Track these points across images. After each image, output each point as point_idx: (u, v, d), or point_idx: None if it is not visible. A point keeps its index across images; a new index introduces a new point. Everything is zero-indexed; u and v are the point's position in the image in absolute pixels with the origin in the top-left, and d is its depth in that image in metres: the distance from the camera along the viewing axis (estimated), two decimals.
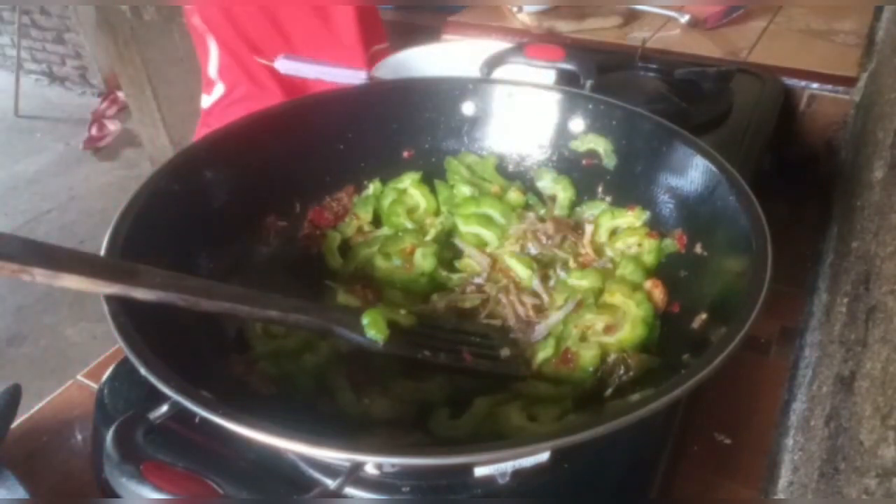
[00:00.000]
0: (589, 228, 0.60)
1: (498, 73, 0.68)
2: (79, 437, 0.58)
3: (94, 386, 0.65)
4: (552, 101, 0.64)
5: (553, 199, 0.64)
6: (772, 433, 0.58)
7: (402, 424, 0.46)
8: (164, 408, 0.37)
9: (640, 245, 0.58)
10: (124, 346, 0.37)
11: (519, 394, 0.48)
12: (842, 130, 0.87)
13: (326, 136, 0.63)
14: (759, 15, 1.06)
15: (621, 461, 0.47)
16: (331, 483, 0.35)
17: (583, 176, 0.64)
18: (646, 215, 0.59)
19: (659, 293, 0.54)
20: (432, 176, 0.66)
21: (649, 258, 0.56)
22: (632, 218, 0.59)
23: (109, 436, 0.35)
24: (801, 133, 0.90)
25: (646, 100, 0.77)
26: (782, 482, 0.52)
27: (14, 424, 0.56)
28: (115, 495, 0.35)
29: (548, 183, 0.65)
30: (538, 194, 0.65)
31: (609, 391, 0.48)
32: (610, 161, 0.62)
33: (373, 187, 0.65)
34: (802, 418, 0.54)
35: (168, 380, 0.35)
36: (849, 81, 0.86)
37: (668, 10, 1.07)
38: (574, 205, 0.63)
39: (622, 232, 0.59)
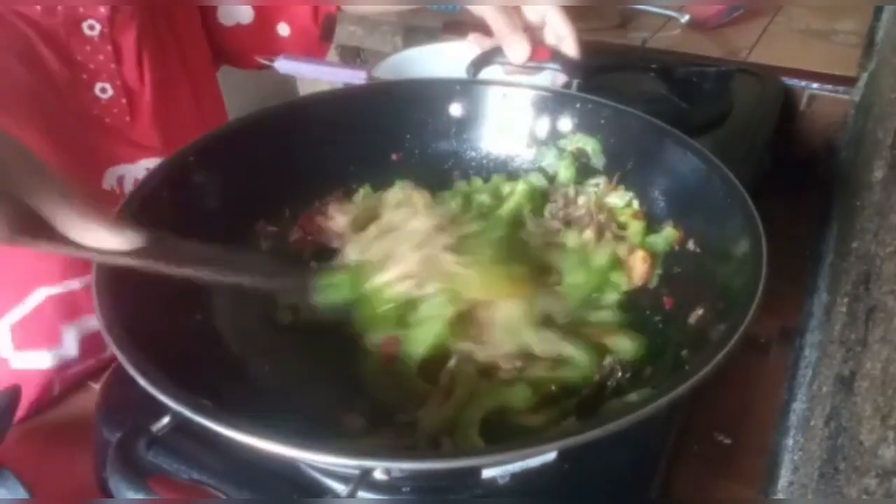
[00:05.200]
0: (582, 199, 0.62)
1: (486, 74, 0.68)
2: (79, 437, 0.58)
3: (95, 386, 0.65)
4: (540, 101, 0.64)
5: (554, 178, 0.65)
6: (772, 433, 0.58)
7: (405, 424, 0.46)
8: (166, 419, 0.37)
9: (625, 227, 0.59)
10: (121, 358, 0.37)
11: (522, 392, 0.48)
12: (842, 130, 0.87)
13: (314, 140, 0.63)
14: (759, 15, 1.06)
15: (621, 461, 0.47)
16: (341, 489, 0.35)
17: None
18: (629, 196, 0.60)
19: (642, 266, 0.55)
20: (422, 179, 0.65)
21: (634, 240, 0.58)
22: (616, 198, 0.60)
23: (111, 452, 0.35)
24: (801, 133, 0.90)
25: (645, 100, 0.77)
26: (782, 482, 0.52)
27: (14, 424, 0.55)
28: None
29: (551, 161, 0.65)
30: (543, 171, 0.65)
31: (609, 392, 0.48)
32: (598, 161, 0.62)
33: (363, 192, 0.65)
34: (802, 418, 0.54)
35: (168, 390, 0.35)
36: (849, 81, 0.86)
37: (668, 10, 1.07)
38: (576, 183, 0.64)
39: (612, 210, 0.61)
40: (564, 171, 0.64)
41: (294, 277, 0.51)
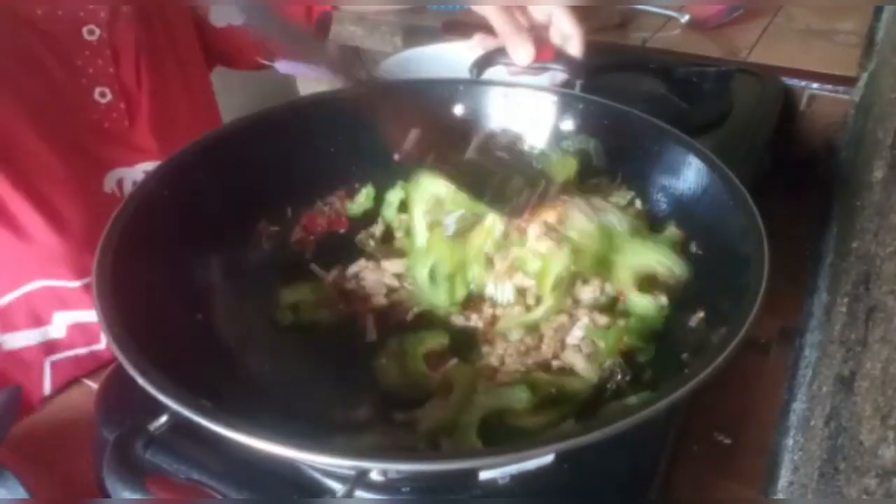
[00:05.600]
0: None
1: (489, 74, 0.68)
2: (79, 437, 0.58)
3: (95, 385, 0.65)
4: (542, 102, 0.64)
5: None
6: (772, 433, 0.58)
7: (404, 424, 0.46)
8: (164, 418, 0.37)
9: None
10: (121, 358, 0.37)
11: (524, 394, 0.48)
12: (842, 130, 0.87)
13: (315, 140, 0.63)
14: (759, 15, 1.06)
15: (621, 462, 0.47)
16: (339, 488, 0.35)
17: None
18: (630, 195, 0.60)
19: None
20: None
21: None
22: (618, 198, 0.60)
23: (108, 452, 0.35)
24: (801, 133, 0.90)
25: (645, 100, 0.77)
26: (782, 482, 0.52)
27: (14, 424, 0.56)
28: None
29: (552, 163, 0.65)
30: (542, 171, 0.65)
31: (608, 394, 0.48)
32: (600, 162, 0.62)
33: (365, 192, 0.65)
34: (802, 418, 0.54)
35: (167, 390, 0.35)
36: (849, 81, 0.86)
37: (668, 10, 1.07)
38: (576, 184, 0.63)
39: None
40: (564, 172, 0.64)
41: None
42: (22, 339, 0.64)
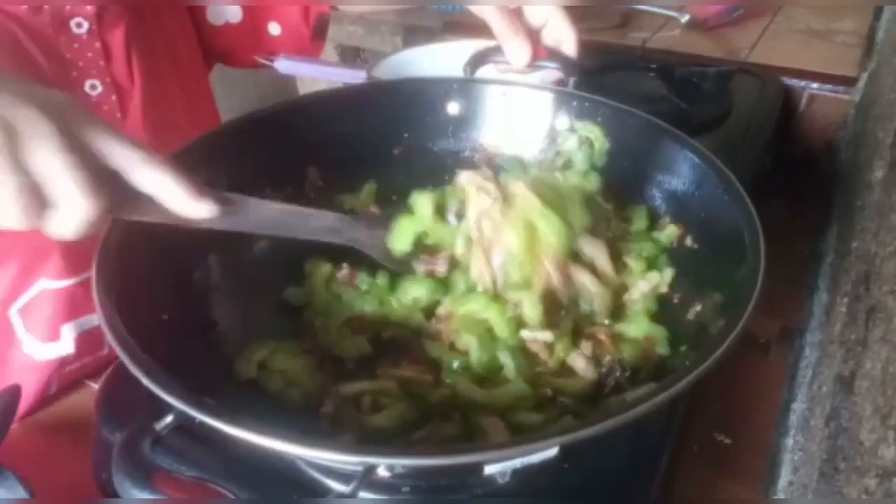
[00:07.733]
0: None
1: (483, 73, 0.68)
2: (79, 437, 0.58)
3: (94, 385, 0.65)
4: (537, 99, 0.64)
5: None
6: (772, 433, 0.58)
7: (406, 424, 0.46)
8: (169, 418, 0.37)
9: None
10: (125, 358, 0.37)
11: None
12: (842, 130, 0.87)
13: (317, 137, 0.63)
14: (759, 15, 1.06)
15: (621, 461, 0.47)
16: (344, 488, 0.35)
17: None
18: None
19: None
20: (422, 175, 0.65)
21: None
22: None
23: (117, 451, 0.35)
24: (801, 133, 0.90)
25: (645, 100, 0.77)
26: (782, 482, 0.52)
27: (14, 424, 0.55)
28: (116, 496, 0.35)
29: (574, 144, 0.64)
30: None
31: (608, 390, 0.48)
32: (599, 160, 0.62)
33: (367, 188, 0.65)
34: (802, 418, 0.55)
35: (171, 389, 0.35)
36: (849, 81, 0.86)
37: (668, 10, 1.07)
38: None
39: None
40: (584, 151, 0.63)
41: (367, 230, 0.54)
42: (36, 350, 0.64)
